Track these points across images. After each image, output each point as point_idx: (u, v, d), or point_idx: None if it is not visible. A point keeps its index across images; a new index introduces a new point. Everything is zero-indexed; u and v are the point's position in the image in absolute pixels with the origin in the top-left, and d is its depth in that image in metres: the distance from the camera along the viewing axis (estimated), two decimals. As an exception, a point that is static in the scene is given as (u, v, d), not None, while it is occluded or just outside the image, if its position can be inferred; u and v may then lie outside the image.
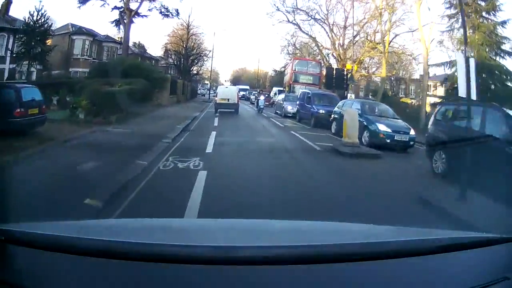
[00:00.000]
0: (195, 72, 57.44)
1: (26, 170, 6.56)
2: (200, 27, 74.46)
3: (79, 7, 31.99)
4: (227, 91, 24.74)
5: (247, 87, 59.76)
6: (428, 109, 30.70)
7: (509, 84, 25.56)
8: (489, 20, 26.15)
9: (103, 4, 31.49)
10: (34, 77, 28.05)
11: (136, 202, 4.99)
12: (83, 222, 2.03)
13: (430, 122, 9.39)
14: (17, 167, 6.80)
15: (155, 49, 72.78)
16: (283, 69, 47.25)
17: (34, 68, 27.20)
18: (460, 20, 26.78)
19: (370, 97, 33.21)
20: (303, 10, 36.66)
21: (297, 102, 21.81)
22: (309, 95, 19.89)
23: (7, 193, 3.87)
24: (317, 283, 1.20)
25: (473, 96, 6.55)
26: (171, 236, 1.65)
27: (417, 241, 1.57)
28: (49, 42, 30.69)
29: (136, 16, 32.56)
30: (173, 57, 51.65)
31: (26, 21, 26.38)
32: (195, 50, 50.35)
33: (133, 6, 31.49)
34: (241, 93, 47.86)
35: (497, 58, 26.11)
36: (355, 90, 30.31)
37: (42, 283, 1.15)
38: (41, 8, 26.41)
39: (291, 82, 31.89)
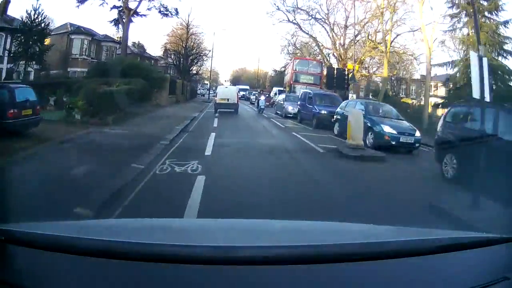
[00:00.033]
0: (194, 72, 57.09)
1: (14, 175, 6.17)
2: (199, 26, 74.29)
3: (78, 6, 31.79)
4: (226, 91, 24.71)
5: (247, 87, 59.45)
6: (429, 109, 30.59)
7: (511, 84, 25.31)
8: (491, 20, 25.91)
9: (102, 3, 31.21)
10: (32, 77, 27.84)
11: (128, 211, 4.63)
12: (83, 222, 2.04)
13: (440, 124, 9.01)
14: (5, 172, 6.37)
15: (155, 49, 72.43)
16: (283, 69, 46.97)
17: (32, 68, 26.82)
18: (462, 20, 26.79)
19: (370, 97, 32.88)
20: (303, 10, 36.48)
21: (298, 103, 21.44)
22: (311, 95, 19.51)
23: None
24: (317, 283, 1.20)
25: (487, 97, 6.20)
26: (171, 236, 1.64)
27: (417, 241, 1.56)
28: (47, 41, 30.42)
29: (135, 16, 32.32)
30: (172, 57, 51.31)
31: (24, 20, 26.07)
32: (194, 50, 50.02)
33: (132, 5, 31.20)
34: (241, 93, 47.65)
35: (500, 58, 25.87)
36: (356, 90, 29.96)
37: (42, 283, 1.15)
38: (39, 7, 26.07)
39: (291, 82, 31.50)
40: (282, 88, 37.14)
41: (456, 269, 1.40)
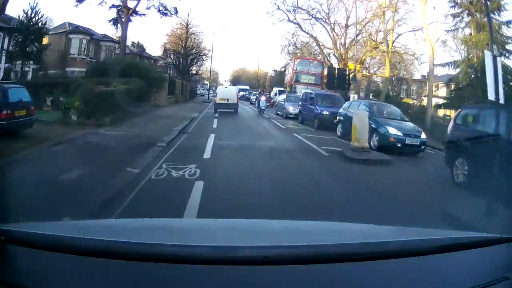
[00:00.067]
0: (194, 72, 56.76)
1: (2, 180, 5.75)
2: (199, 26, 73.81)
3: (76, 5, 31.56)
4: (226, 91, 24.67)
5: (247, 87, 59.14)
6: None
7: (514, 84, 25.06)
8: (494, 20, 25.64)
9: (100, 3, 30.93)
10: (30, 76, 27.52)
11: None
12: (83, 222, 2.01)
13: (450, 127, 8.64)
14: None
15: (154, 49, 71.99)
16: (283, 69, 46.72)
17: (28, 68, 26.47)
18: (464, 20, 26.48)
19: (371, 97, 32.53)
20: (304, 9, 36.22)
21: (299, 103, 21.06)
22: (312, 96, 19.12)
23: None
24: (317, 283, 1.20)
25: (501, 99, 5.85)
26: (171, 236, 1.63)
27: (417, 241, 1.56)
28: (45, 41, 30.10)
29: (134, 15, 32.04)
30: (172, 56, 50.96)
31: (20, 19, 25.73)
32: (194, 50, 49.66)
33: (131, 4, 30.87)
34: (241, 93, 47.40)
35: (502, 58, 25.59)
36: (356, 90, 29.62)
37: (42, 283, 1.15)
38: (36, 6, 25.71)
39: (292, 82, 31.14)
40: (282, 88, 36.89)
41: (456, 269, 1.39)
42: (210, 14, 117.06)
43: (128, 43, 42.79)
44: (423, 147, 11.62)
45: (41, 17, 25.96)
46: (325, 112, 17.32)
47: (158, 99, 25.22)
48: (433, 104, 40.37)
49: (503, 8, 25.57)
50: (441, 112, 30.06)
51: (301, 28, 37.27)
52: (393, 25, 30.32)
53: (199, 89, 64.02)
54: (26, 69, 27.43)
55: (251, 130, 16.20)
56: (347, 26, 35.74)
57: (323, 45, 37.92)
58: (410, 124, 12.50)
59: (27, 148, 8.58)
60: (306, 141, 12.73)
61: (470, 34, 25.80)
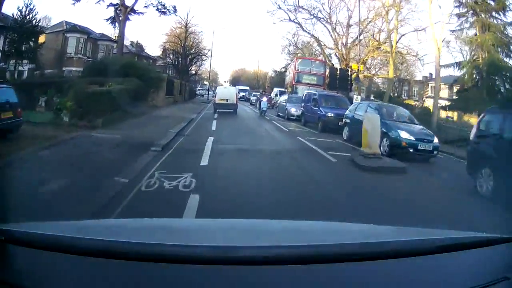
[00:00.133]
0: (193, 72, 56.06)
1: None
2: (198, 25, 73.41)
3: (74, 3, 30.96)
4: (226, 92, 24.61)
5: (247, 87, 58.59)
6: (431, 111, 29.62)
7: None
8: (499, 20, 25.13)
9: (98, 1, 30.22)
10: (25, 76, 26.90)
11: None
12: (83, 222, 1.97)
13: (473, 133, 7.85)
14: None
15: (154, 49, 71.42)
16: (283, 70, 46.15)
17: (22, 67, 25.75)
18: (470, 20, 25.83)
19: (372, 98, 31.83)
20: (305, 9, 35.68)
21: (302, 104, 20.31)
22: (316, 97, 18.36)
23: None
24: (317, 283, 1.19)
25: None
26: (171, 236, 1.62)
27: (417, 241, 1.55)
28: (41, 39, 29.45)
29: (132, 13, 31.43)
30: (171, 56, 50.28)
31: (15, 17, 25.07)
32: (193, 49, 48.98)
33: (128, 2, 30.21)
34: (241, 93, 46.92)
35: (507, 60, 25.03)
36: (357, 91, 28.96)
37: (42, 283, 1.15)
38: (30, 3, 24.99)
39: (293, 83, 30.36)
40: (283, 89, 36.26)
41: (456, 269, 1.39)
42: (209, 13, 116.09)
43: (127, 42, 42.29)
44: (435, 152, 10.88)
45: (35, 15, 25.26)
46: (329, 114, 16.56)
47: (155, 99, 24.56)
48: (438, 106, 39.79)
49: (508, 9, 25.07)
50: (443, 114, 29.44)
51: (302, 28, 36.84)
52: (396, 25, 29.65)
53: (198, 89, 63.46)
54: (22, 68, 26.83)
55: (251, 132, 15.41)
56: (349, 26, 35.23)
57: (324, 45, 37.41)
58: (421, 128, 11.75)
59: (10, 154, 7.84)
60: (311, 145, 11.91)
61: (475, 34, 25.22)
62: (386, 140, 10.65)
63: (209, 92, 51.56)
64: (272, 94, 37.73)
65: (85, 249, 1.23)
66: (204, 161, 8.07)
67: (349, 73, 30.70)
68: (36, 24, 25.36)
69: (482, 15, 25.02)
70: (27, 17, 24.87)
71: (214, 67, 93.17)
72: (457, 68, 26.92)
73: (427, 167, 10.33)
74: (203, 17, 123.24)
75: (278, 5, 35.86)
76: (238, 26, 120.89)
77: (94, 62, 30.69)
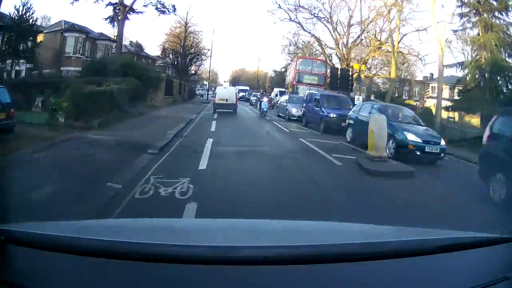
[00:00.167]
0: (193, 72, 55.71)
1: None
2: (198, 24, 73.04)
3: (72, 3, 30.73)
4: (225, 92, 24.79)
5: (247, 87, 58.27)
6: (433, 112, 29.31)
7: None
8: (501, 20, 24.91)
9: (96, 0, 29.91)
10: (22, 76, 26.57)
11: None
12: (83, 222, 1.96)
13: (485, 136, 7.45)
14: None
15: (153, 49, 71.20)
16: (283, 70, 45.85)
17: (19, 67, 25.37)
18: (472, 19, 25.52)
19: (372, 98, 31.51)
20: (305, 8, 35.37)
21: (303, 105, 19.92)
22: (317, 97, 17.95)
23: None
24: (317, 283, 1.19)
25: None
26: (171, 236, 1.61)
27: (417, 241, 1.55)
28: (39, 38, 29.12)
29: (131, 13, 31.18)
30: (170, 56, 49.92)
31: (12, 16, 24.70)
32: (193, 49, 48.63)
33: (127, 1, 29.92)
34: (241, 94, 46.61)
35: (510, 60, 24.74)
36: (357, 91, 28.67)
37: (42, 283, 1.15)
38: (27, 2, 24.61)
39: (294, 83, 29.96)
40: (283, 89, 35.96)
41: (456, 269, 1.38)
42: (209, 12, 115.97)
43: (126, 42, 42.02)
44: (442, 154, 10.49)
45: (32, 14, 24.87)
46: (332, 115, 16.15)
47: (154, 99, 24.24)
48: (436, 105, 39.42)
49: (510, 9, 24.76)
50: (444, 114, 29.15)
51: (303, 28, 36.57)
52: (399, 24, 29.34)
53: (198, 89, 63.17)
54: (19, 68, 26.49)
55: (252, 133, 15.03)
56: (349, 26, 34.92)
57: (325, 44, 37.09)
58: (428, 129, 11.38)
59: (2, 156, 7.50)
60: (314, 147, 11.50)
61: (478, 34, 24.94)
62: (392, 142, 10.25)
63: (209, 92, 51.17)
64: (272, 94, 37.43)
65: (85, 249, 1.23)
66: (203, 165, 7.67)
67: (350, 73, 30.40)
68: (33, 23, 24.91)
69: (485, 15, 24.77)
70: (24, 16, 24.47)
71: (214, 67, 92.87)
72: (460, 68, 26.71)
73: (435, 171, 9.95)
74: (202, 17, 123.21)
75: (279, 4, 35.62)
76: (238, 25, 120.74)
77: (93, 61, 30.37)
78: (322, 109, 16.81)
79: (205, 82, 68.78)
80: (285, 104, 23.66)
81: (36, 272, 1.18)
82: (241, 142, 12.05)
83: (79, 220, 2.09)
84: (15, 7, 24.70)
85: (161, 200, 5.28)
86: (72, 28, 35.80)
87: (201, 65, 55.89)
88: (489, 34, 24.03)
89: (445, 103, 28.94)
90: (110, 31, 37.23)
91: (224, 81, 71.34)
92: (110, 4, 30.68)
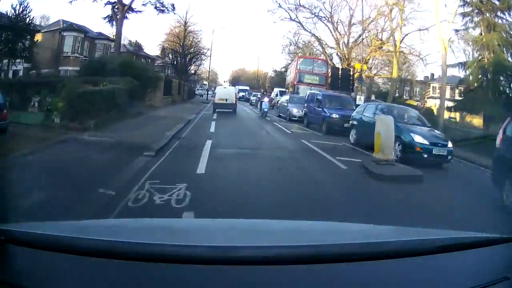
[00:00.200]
0: (192, 71, 55.35)
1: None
2: (197, 24, 72.61)
3: (71, 2, 30.46)
4: (225, 92, 24.81)
5: (247, 87, 57.94)
6: (435, 112, 29.04)
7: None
8: (504, 20, 24.64)
9: (95, -1, 29.59)
10: (20, 75, 26.23)
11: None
12: (83, 222, 1.96)
13: (498, 139, 7.06)
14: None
15: (153, 49, 70.85)
16: (283, 70, 45.55)
17: (15, 66, 25.01)
18: (475, 19, 25.18)
19: (373, 98, 31.19)
20: (306, 8, 35.10)
21: (305, 105, 19.53)
22: (319, 97, 17.54)
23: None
24: (317, 283, 1.19)
25: None
26: (171, 236, 1.60)
27: (417, 241, 1.54)
28: (37, 38, 28.77)
29: (129, 12, 30.92)
30: (170, 56, 49.56)
31: (8, 15, 24.31)
32: (192, 49, 48.26)
33: (126, 1, 29.62)
34: (241, 93, 46.32)
35: (512, 60, 24.40)
36: (356, 92, 28.36)
37: (42, 283, 1.15)
38: (24, 0, 24.20)
39: (295, 83, 29.56)
40: (283, 89, 35.63)
41: (456, 269, 1.38)
42: (209, 12, 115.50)
43: (125, 41, 41.70)
44: (449, 157, 10.10)
45: (29, 12, 24.47)
46: (334, 115, 15.74)
47: (153, 99, 23.89)
48: (437, 105, 39.13)
49: (513, 8, 24.44)
50: (445, 115, 28.86)
51: (303, 27, 36.36)
52: (401, 23, 29.03)
53: (197, 89, 62.85)
54: (16, 67, 26.15)
55: (252, 134, 14.64)
56: (350, 25, 34.66)
57: (326, 44, 36.81)
58: (434, 131, 11.02)
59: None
60: (317, 149, 11.06)
61: (481, 34, 24.63)
62: (399, 145, 9.85)
63: (208, 92, 50.78)
64: (273, 94, 37.13)
65: (85, 249, 1.23)
66: (201, 169, 7.27)
67: (351, 73, 30.07)
68: (30, 21, 24.52)
69: (487, 15, 24.47)
70: (21, 15, 24.09)
71: (214, 67, 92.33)
72: (462, 68, 26.40)
73: (443, 174, 9.58)
74: (202, 16, 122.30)
75: (279, 3, 35.39)
76: (237, 25, 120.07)
77: (91, 61, 30.00)
78: (324, 109, 16.40)
79: (205, 82, 68.44)
80: (285, 104, 23.29)
81: (36, 272, 1.17)
82: (241, 143, 11.66)
83: (79, 220, 2.08)
84: (12, 6, 24.37)
85: (156, 209, 4.89)
86: (71, 27, 35.45)
87: (200, 64, 55.63)
88: (492, 34, 23.78)
89: (447, 103, 28.59)
90: (109, 30, 36.97)
91: (224, 81, 71.05)
92: (108, 3, 30.45)
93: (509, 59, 24.18)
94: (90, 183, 5.95)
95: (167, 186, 5.76)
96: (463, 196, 7.33)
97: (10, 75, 25.62)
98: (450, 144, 10.16)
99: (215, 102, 24.25)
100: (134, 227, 1.76)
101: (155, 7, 32.05)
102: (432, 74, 47.88)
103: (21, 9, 24.32)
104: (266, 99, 25.99)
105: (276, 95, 35.11)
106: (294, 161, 9.27)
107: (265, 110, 23.32)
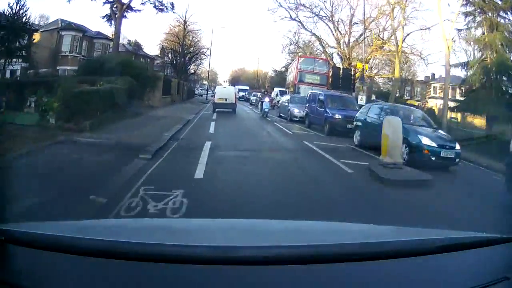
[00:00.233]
0: (192, 71, 54.98)
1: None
2: (197, 23, 72.19)
3: (69, 1, 30.24)
4: (225, 91, 24.73)
5: (247, 87, 57.62)
6: (436, 112, 28.75)
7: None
8: (507, 20, 24.36)
9: (93, -2, 29.30)
10: (17, 75, 25.91)
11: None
12: (83, 222, 1.95)
13: None
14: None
15: (153, 48, 70.52)
16: (283, 69, 45.26)
17: (12, 66, 24.66)
18: (477, 18, 24.85)
19: (373, 98, 30.86)
20: (306, 7, 34.83)
21: (306, 105, 19.14)
22: (322, 97, 17.14)
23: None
24: (317, 283, 1.19)
25: None
26: (171, 236, 1.59)
27: (417, 241, 1.54)
28: (35, 37, 28.43)
29: (128, 11, 30.61)
30: (169, 55, 49.21)
31: (5, 14, 23.96)
32: (192, 48, 47.89)
33: (125, -1, 29.25)
34: (241, 93, 45.99)
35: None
36: (357, 92, 28.09)
37: (42, 283, 1.15)
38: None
39: (296, 82, 29.20)
40: (283, 89, 35.33)
41: (456, 269, 1.37)
42: (208, 11, 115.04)
43: (125, 41, 41.38)
44: (457, 160, 9.73)
45: (25, 11, 24.11)
46: (337, 116, 15.35)
47: (151, 99, 23.57)
48: (438, 105, 38.79)
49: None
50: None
51: (304, 27, 36.10)
52: (402, 22, 28.71)
53: (197, 89, 62.56)
54: (12, 67, 25.81)
55: (253, 136, 14.25)
56: (351, 24, 34.36)
57: (326, 43, 36.49)
58: (441, 132, 10.66)
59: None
60: (320, 151, 10.65)
61: (483, 33, 24.34)
62: (406, 147, 9.42)
63: (208, 92, 50.42)
64: (273, 94, 36.83)
65: (85, 249, 1.23)
66: (199, 173, 6.89)
67: (352, 73, 29.74)
68: (27, 20, 24.16)
69: (490, 14, 24.19)
70: (18, 14, 23.73)
71: (214, 66, 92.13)
72: (465, 68, 26.11)
73: (452, 178, 9.22)
74: (201, 15, 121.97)
75: (279, 3, 35.17)
76: (237, 24, 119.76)
77: (89, 60, 29.66)
78: (327, 109, 15.99)
79: (205, 82, 68.11)
80: (286, 104, 22.93)
81: (36, 272, 1.17)
82: (241, 145, 11.25)
83: (79, 220, 2.04)
84: (8, 4, 23.98)
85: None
86: (69, 26, 35.15)
87: (200, 64, 55.35)
88: (495, 34, 23.57)
89: (449, 104, 28.31)
90: (108, 30, 36.61)
91: (224, 81, 70.81)
92: (107, 2, 30.17)
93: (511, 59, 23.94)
94: (80, 189, 5.60)
95: (162, 192, 5.40)
96: (477, 203, 6.91)
97: (7, 75, 25.26)
98: (457, 146, 9.79)
99: (215, 101, 24.25)
100: (134, 227, 1.77)
101: (154, 6, 31.84)
102: (433, 74, 47.68)
103: (18, 8, 24.03)
104: (267, 99, 25.59)
105: (276, 95, 34.86)
106: (297, 164, 8.88)
107: (266, 110, 22.92)
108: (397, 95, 38.51)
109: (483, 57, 24.64)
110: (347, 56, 34.36)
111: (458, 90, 35.50)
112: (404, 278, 1.26)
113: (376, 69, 39.80)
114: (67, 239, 1.29)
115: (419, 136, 9.55)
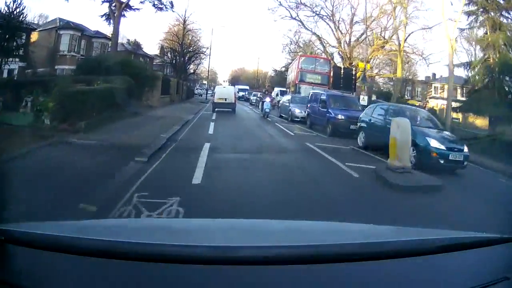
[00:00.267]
0: (191, 71, 54.59)
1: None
2: (196, 22, 72.11)
3: (68, 0, 29.86)
4: (224, 91, 24.73)
5: (247, 87, 57.31)
6: (437, 112, 28.47)
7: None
8: (509, 19, 24.10)
9: (92, -3, 28.99)
10: (14, 74, 25.58)
11: None
12: (83, 222, 1.94)
13: None
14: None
15: (152, 48, 70.13)
16: (284, 69, 44.96)
17: (8, 65, 24.30)
18: (480, 18, 24.52)
19: (374, 98, 30.52)
20: (307, 6, 34.50)
21: (308, 105, 18.75)
22: (324, 97, 16.76)
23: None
24: (317, 283, 1.19)
25: None
26: (171, 236, 1.59)
27: (417, 241, 1.54)
28: (33, 36, 28.09)
29: (127, 10, 30.34)
30: (169, 55, 48.85)
31: (2, 13, 23.61)
32: (191, 47, 47.51)
33: (124, -2, 28.95)
34: (240, 93, 45.67)
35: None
36: (358, 92, 27.77)
37: (42, 283, 1.15)
38: (18, -2, 23.43)
39: (296, 82, 28.79)
40: (284, 89, 34.98)
41: (456, 269, 1.37)
42: (208, 10, 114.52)
43: (124, 40, 41.06)
44: (465, 163, 9.36)
45: (22, 10, 23.75)
46: (340, 117, 14.97)
47: (150, 99, 23.27)
48: (439, 105, 38.44)
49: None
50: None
51: (304, 26, 35.82)
52: (405, 21, 28.39)
53: (197, 88, 62.28)
54: (9, 66, 25.46)
55: (253, 137, 13.87)
56: (352, 24, 34.05)
57: (327, 43, 36.16)
58: (449, 134, 10.28)
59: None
60: (324, 153, 10.25)
61: (486, 33, 24.04)
62: (413, 150, 9.05)
63: (208, 92, 50.05)
64: (273, 94, 36.50)
65: (85, 249, 1.23)
66: (197, 178, 6.50)
67: (353, 73, 29.41)
68: (23, 19, 23.80)
69: (492, 14, 23.90)
70: (14, 13, 23.37)
71: (213, 66, 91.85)
72: (468, 68, 25.84)
73: (461, 182, 8.86)
74: (201, 14, 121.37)
75: (280, 2, 34.86)
76: (237, 24, 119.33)
77: (87, 59, 29.31)
78: (329, 110, 15.61)
79: (204, 82, 67.74)
80: (287, 104, 22.55)
81: (36, 272, 1.17)
82: (241, 147, 10.86)
83: (79, 220, 2.03)
84: (5, 3, 23.63)
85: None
86: (67, 25, 34.85)
87: (200, 64, 55.02)
88: (497, 33, 23.32)
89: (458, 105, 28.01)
90: (107, 29, 36.31)
91: (224, 81, 70.51)
92: (106, 1, 29.89)
93: (513, 58, 23.63)
94: (70, 196, 5.23)
95: (157, 200, 5.03)
96: (489, 209, 6.49)
97: (5, 74, 24.93)
98: (466, 149, 9.44)
99: (214, 101, 24.21)
100: (134, 227, 1.78)
101: (153, 5, 31.63)
102: (434, 74, 47.43)
103: (14, 7, 23.67)
104: (267, 99, 25.18)
105: (277, 94, 34.55)
106: (299, 167, 8.51)
107: (267, 110, 22.51)
108: (398, 95, 38.23)
109: (486, 57, 24.38)
110: (348, 56, 34.06)
111: (459, 90, 35.24)
112: (404, 278, 1.26)
113: (377, 69, 39.49)
114: (67, 239, 1.30)
115: (427, 139, 9.17)
